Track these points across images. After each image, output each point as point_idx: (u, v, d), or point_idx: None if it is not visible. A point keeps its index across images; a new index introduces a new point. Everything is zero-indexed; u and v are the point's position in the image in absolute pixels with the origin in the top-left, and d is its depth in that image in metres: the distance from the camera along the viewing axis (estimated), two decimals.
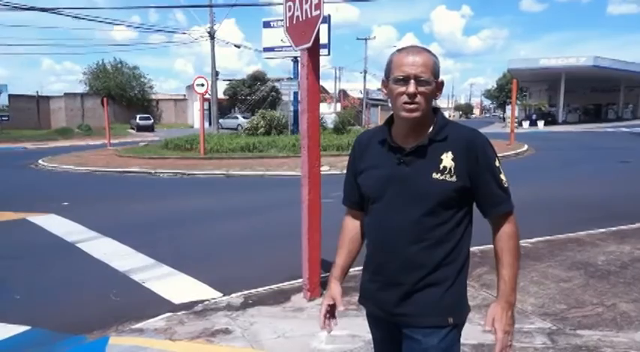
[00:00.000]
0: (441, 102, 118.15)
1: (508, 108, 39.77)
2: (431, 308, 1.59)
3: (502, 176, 1.60)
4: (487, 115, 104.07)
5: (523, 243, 5.61)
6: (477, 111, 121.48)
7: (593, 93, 47.12)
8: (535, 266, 4.87)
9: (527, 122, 41.43)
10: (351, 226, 1.86)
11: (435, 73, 1.57)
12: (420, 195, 1.56)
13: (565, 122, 43.42)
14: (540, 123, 40.06)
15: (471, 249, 5.27)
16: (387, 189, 1.61)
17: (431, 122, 1.61)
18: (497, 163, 1.60)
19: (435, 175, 1.54)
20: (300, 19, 4.02)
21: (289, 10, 4.17)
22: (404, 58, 1.56)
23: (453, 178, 1.54)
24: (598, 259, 5.04)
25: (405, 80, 1.54)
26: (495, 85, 73.60)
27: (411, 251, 1.58)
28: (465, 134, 1.59)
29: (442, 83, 1.63)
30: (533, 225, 6.53)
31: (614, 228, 6.35)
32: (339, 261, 1.86)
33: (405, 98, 1.54)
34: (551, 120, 42.59)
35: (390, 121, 1.69)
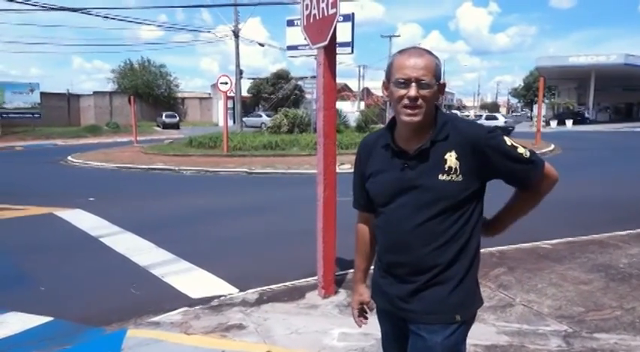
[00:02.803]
0: (467, 101, 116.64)
1: (536, 106, 39.13)
2: (438, 305, 1.60)
3: (520, 150, 1.58)
4: (515, 114, 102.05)
5: (543, 244, 5.57)
6: (503, 110, 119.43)
7: (625, 91, 45.86)
8: (554, 267, 4.79)
9: (555, 121, 40.64)
10: (364, 231, 1.88)
11: (437, 75, 1.56)
12: (428, 198, 1.56)
13: (595, 121, 42.38)
14: (569, 123, 39.24)
15: (490, 249, 5.21)
16: (394, 193, 1.62)
17: (432, 122, 1.60)
18: (508, 143, 1.57)
19: (440, 177, 1.54)
20: (317, 18, 4.03)
21: (306, 9, 4.19)
22: (405, 61, 1.55)
23: (459, 178, 1.53)
24: (620, 262, 4.93)
25: (406, 83, 1.53)
26: (522, 84, 72.23)
27: (421, 253, 1.59)
28: (465, 132, 1.57)
29: (444, 85, 1.62)
30: (555, 226, 6.43)
31: (638, 230, 6.20)
32: (358, 264, 1.94)
33: (406, 101, 1.54)
34: (580, 119, 41.67)
35: (392, 124, 1.68)
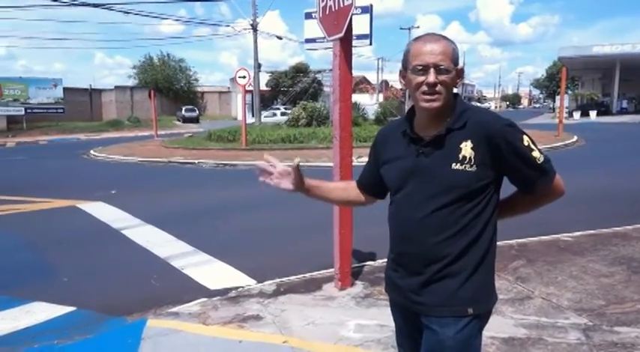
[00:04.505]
0: (488, 92, 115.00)
1: (559, 98, 38.44)
2: (448, 298, 1.57)
3: (534, 153, 1.54)
4: (537, 106, 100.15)
5: (564, 237, 5.48)
6: (525, 102, 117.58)
7: None
8: (575, 260, 4.71)
9: (579, 112, 39.86)
10: (352, 187, 1.92)
11: (454, 60, 1.54)
12: (440, 186, 1.54)
13: (620, 112, 41.41)
14: (593, 114, 38.44)
15: (509, 242, 5.15)
16: (408, 180, 1.61)
17: (451, 110, 1.58)
18: (524, 143, 1.53)
19: (454, 166, 1.51)
20: (333, 9, 4.01)
21: (322, 1, 4.18)
22: (422, 47, 1.53)
23: (473, 168, 1.51)
24: None
25: (424, 69, 1.51)
26: (545, 74, 70.96)
27: (431, 242, 1.57)
28: (483, 121, 1.54)
29: (462, 70, 1.59)
30: (577, 219, 6.33)
31: None
32: (323, 183, 1.90)
33: (424, 88, 1.52)
34: (604, 110, 40.74)
35: (411, 113, 1.67)
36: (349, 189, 1.94)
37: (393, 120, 1.84)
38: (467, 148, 1.52)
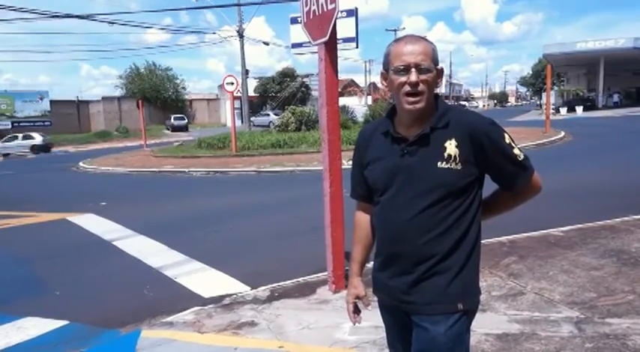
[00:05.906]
0: (475, 91, 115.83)
1: (545, 95, 38.80)
2: (438, 295, 1.59)
3: (515, 151, 1.59)
4: (524, 103, 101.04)
5: (554, 232, 5.53)
6: (512, 99, 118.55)
7: (635, 76, 45.16)
8: (566, 254, 4.76)
9: (565, 108, 40.27)
10: (363, 220, 1.85)
11: (435, 60, 1.57)
12: (426, 185, 1.55)
13: (605, 107, 41.91)
14: (579, 109, 38.85)
15: (500, 239, 5.18)
16: (393, 180, 1.61)
17: (433, 110, 1.60)
18: (506, 141, 1.58)
19: (440, 164, 1.53)
20: (317, 14, 4.04)
21: (306, 5, 4.20)
22: (403, 48, 1.55)
23: (458, 166, 1.53)
24: (632, 246, 4.88)
25: (405, 69, 1.53)
26: (531, 72, 71.71)
27: (420, 241, 1.58)
28: (466, 120, 1.57)
29: (442, 70, 1.62)
30: (567, 214, 6.39)
31: None
32: (356, 256, 1.88)
33: (407, 88, 1.54)
34: (590, 105, 41.21)
35: (392, 112, 1.69)
36: (366, 223, 1.84)
37: (373, 121, 1.85)
38: (451, 147, 1.54)
